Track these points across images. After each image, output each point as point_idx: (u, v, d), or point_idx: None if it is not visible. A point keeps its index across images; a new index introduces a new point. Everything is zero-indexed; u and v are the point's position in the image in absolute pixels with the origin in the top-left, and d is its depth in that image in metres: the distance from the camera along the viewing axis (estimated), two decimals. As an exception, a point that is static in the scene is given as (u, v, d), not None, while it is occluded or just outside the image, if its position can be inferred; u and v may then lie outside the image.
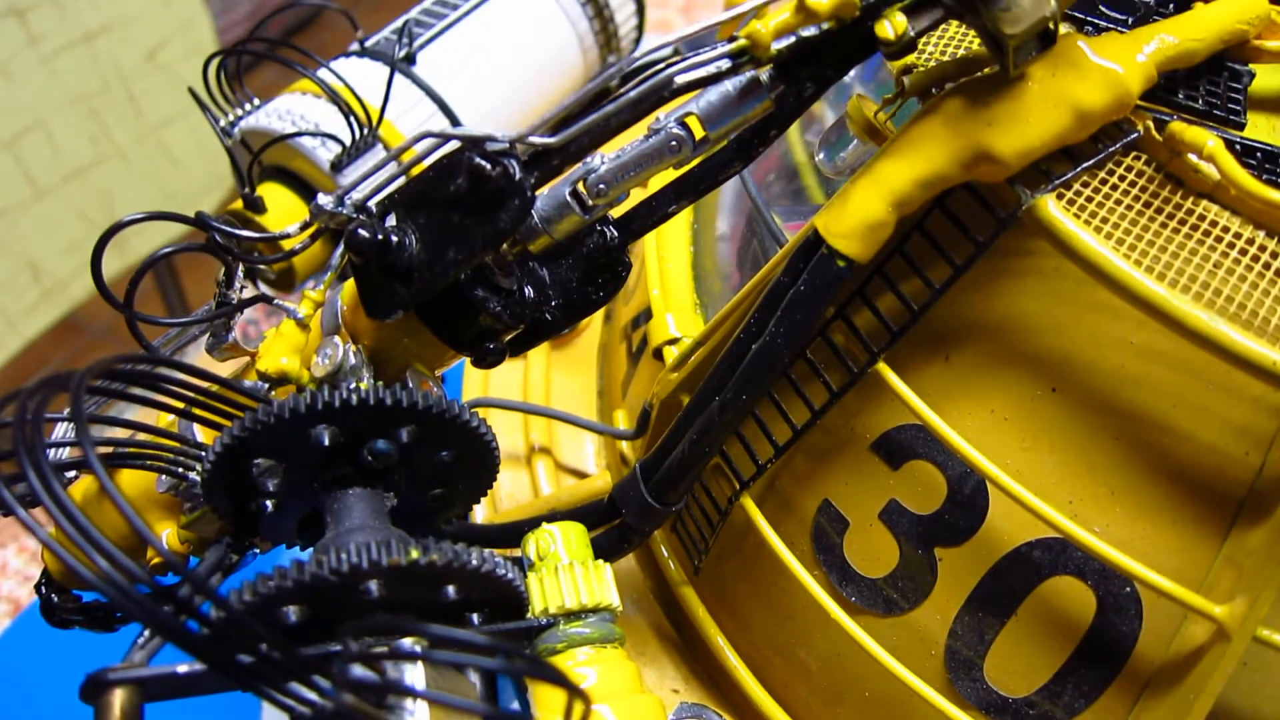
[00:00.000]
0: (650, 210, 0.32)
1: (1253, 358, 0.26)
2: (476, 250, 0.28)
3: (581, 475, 0.44)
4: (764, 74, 0.29)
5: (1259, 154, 0.30)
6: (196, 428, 0.30)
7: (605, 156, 0.30)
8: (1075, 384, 0.30)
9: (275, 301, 0.30)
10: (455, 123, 0.48)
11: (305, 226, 0.29)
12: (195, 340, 0.34)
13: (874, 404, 0.33)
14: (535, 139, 0.28)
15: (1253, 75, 0.31)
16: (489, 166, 0.27)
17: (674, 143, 0.29)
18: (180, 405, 0.27)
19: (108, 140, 1.00)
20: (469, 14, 0.52)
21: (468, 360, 0.33)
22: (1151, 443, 0.30)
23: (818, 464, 0.35)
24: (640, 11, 0.59)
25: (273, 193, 0.44)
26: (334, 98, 0.44)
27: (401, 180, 0.29)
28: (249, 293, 0.32)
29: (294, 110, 0.45)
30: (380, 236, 0.28)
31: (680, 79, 0.28)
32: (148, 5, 1.01)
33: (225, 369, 0.34)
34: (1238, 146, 0.30)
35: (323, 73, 0.46)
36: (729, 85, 0.29)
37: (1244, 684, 0.29)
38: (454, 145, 0.28)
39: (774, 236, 0.39)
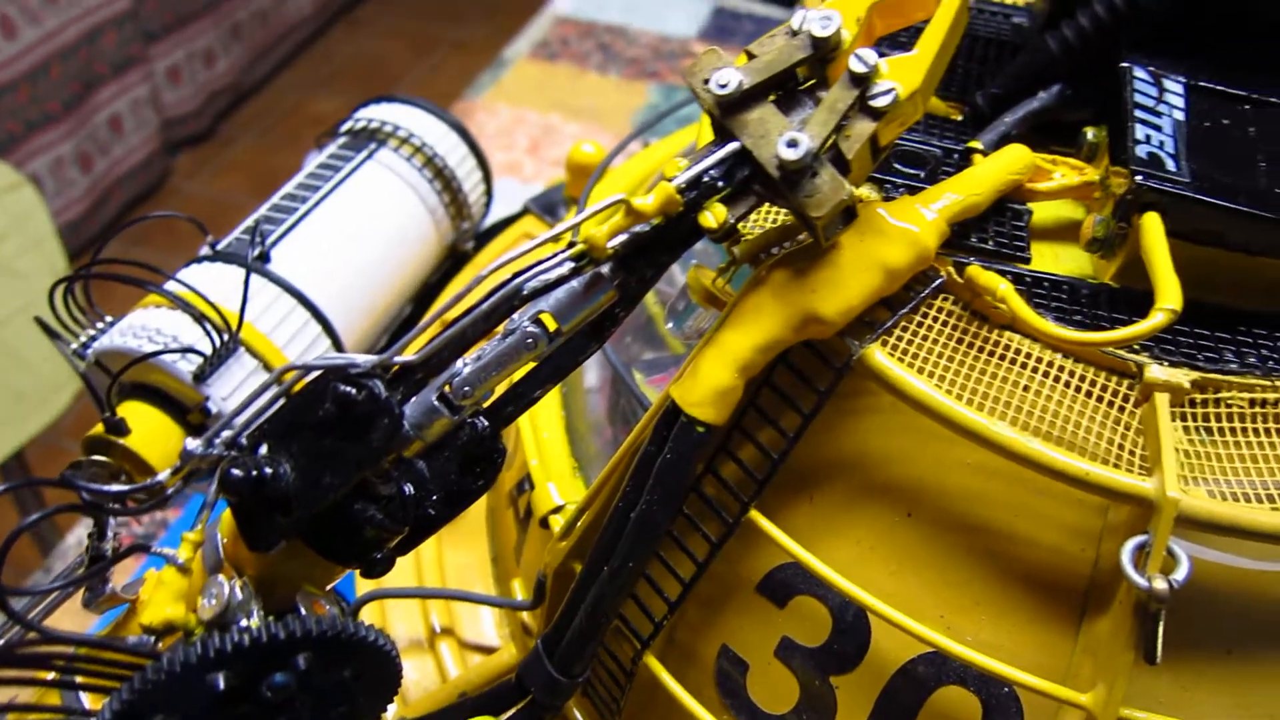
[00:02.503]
0: (518, 396, 0.34)
1: (1066, 470, 0.29)
2: (352, 472, 0.29)
3: (487, 649, 0.45)
4: (605, 268, 0.31)
5: (1046, 284, 0.34)
6: (82, 693, 0.29)
7: (467, 359, 0.31)
8: (927, 507, 0.33)
9: (153, 549, 0.30)
10: (317, 314, 0.49)
11: (177, 470, 0.29)
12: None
13: (752, 549, 0.35)
14: (397, 359, 0.29)
15: (1030, 213, 0.36)
16: (354, 391, 0.29)
17: (530, 340, 0.31)
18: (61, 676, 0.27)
19: (-53, 345, 0.96)
20: (319, 204, 0.53)
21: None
22: (1002, 552, 0.32)
23: (711, 612, 0.36)
24: (487, 178, 0.62)
25: (135, 411, 0.44)
26: (187, 309, 0.45)
27: (271, 411, 0.30)
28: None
29: (149, 325, 0.45)
30: (255, 472, 0.29)
31: (529, 287, 0.30)
32: (-19, 203, 0.98)
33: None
34: (1028, 279, 0.34)
35: (174, 283, 0.47)
36: (575, 283, 0.31)
37: (1119, 763, 0.31)
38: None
39: (638, 400, 0.41)
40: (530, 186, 1.02)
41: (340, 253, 0.53)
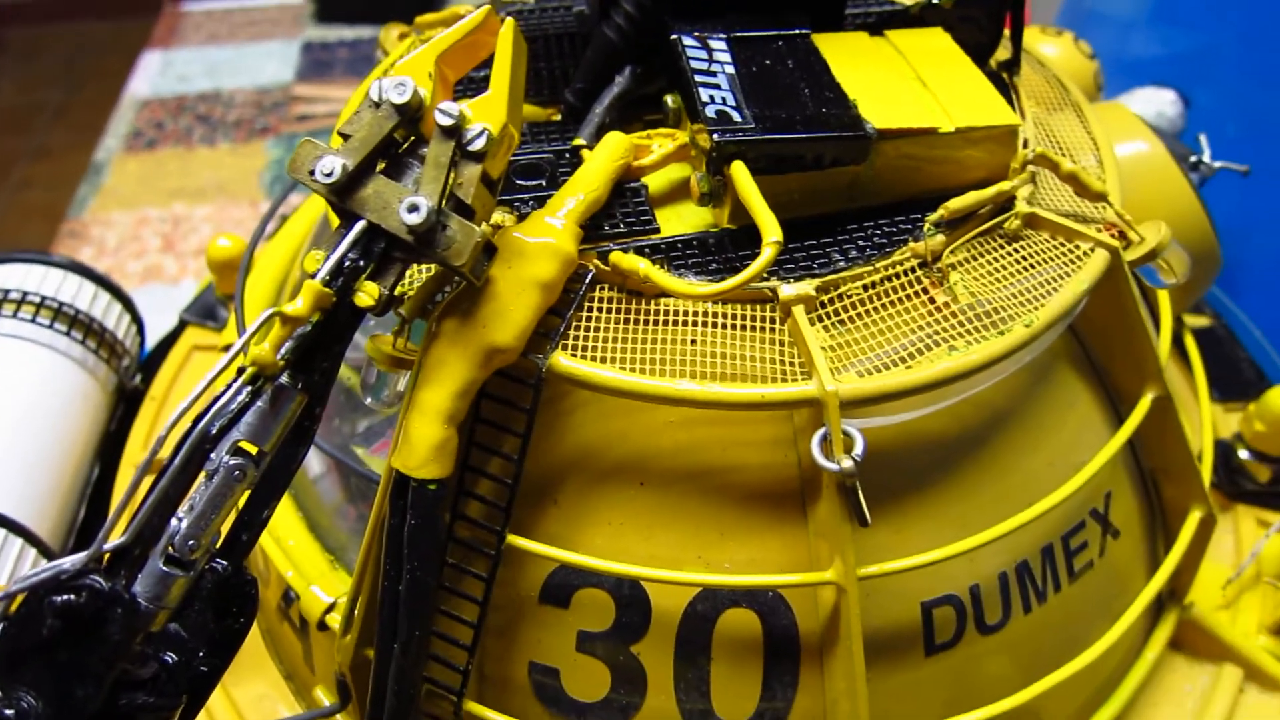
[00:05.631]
0: (247, 524, 0.33)
1: (745, 399, 0.34)
2: (104, 675, 0.28)
3: (312, 768, 0.44)
4: (284, 379, 0.31)
5: (679, 245, 0.38)
6: None
7: (180, 514, 0.31)
8: (653, 471, 0.37)
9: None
10: (-5, 517, 0.45)
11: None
12: None
13: (522, 568, 0.37)
14: (107, 546, 0.28)
15: (645, 187, 0.40)
16: (73, 597, 0.27)
17: (237, 472, 0.31)
18: None
19: None
20: (-52, 401, 0.48)
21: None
22: (726, 484, 0.37)
23: (508, 639, 0.38)
24: (128, 306, 0.58)
25: None
26: None
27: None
28: None
29: None
30: (-6, 722, 0.27)
31: (215, 426, 0.30)
32: None
33: None
34: (663, 246, 0.38)
35: None
36: (260, 403, 0.31)
37: (871, 610, 0.36)
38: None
39: (368, 478, 0.41)
40: (179, 288, 0.97)
41: (-6, 442, 0.48)
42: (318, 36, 1.35)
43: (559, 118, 0.44)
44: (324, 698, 0.43)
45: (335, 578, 0.43)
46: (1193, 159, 0.56)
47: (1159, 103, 0.67)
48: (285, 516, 0.45)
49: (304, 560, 0.43)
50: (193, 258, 1.04)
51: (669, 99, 0.42)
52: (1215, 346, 0.64)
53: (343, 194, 0.31)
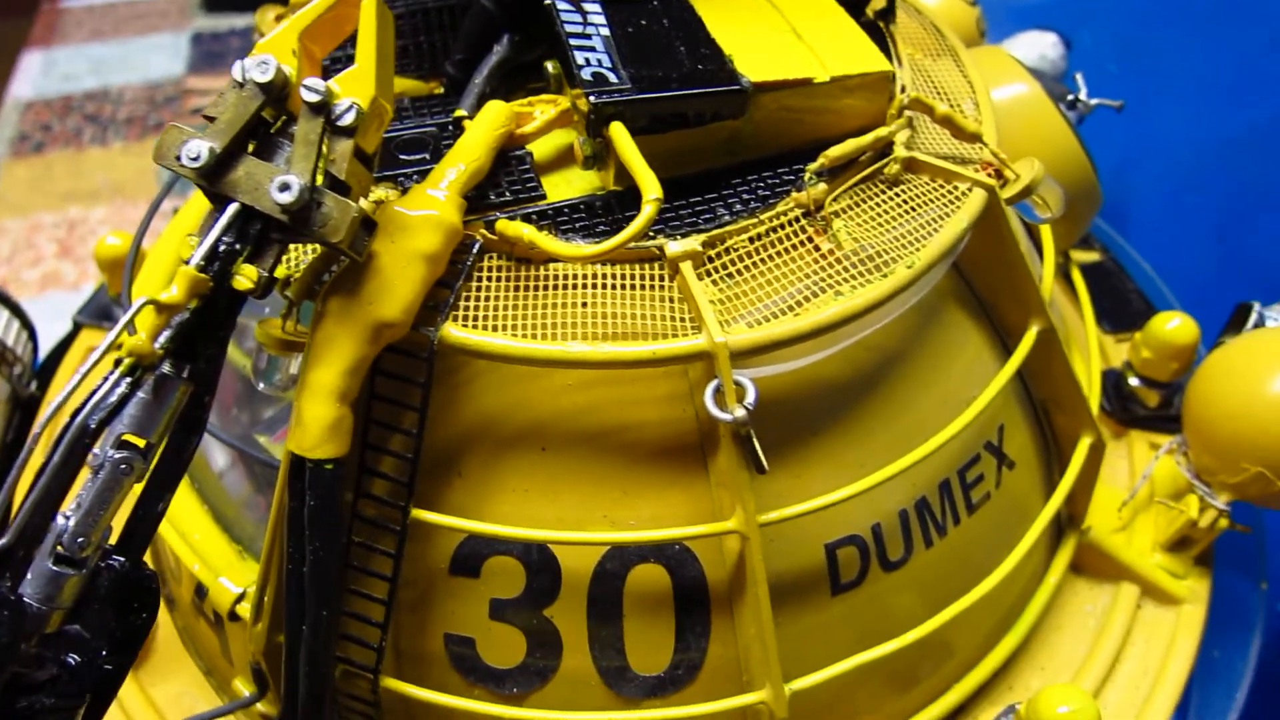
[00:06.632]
0: (143, 518, 0.33)
1: (638, 357, 0.34)
2: (-6, 678, 0.27)
3: (236, 763, 0.44)
4: (165, 367, 0.31)
5: (565, 210, 0.38)
6: None
7: (67, 511, 0.30)
8: (554, 435, 0.37)
9: None
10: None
11: None
12: None
13: (430, 541, 0.37)
14: (-14, 550, 0.28)
15: (530, 154, 0.40)
16: (-46, 603, 0.27)
17: (124, 466, 0.30)
18: None
19: None
20: None
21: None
22: (627, 442, 0.37)
23: (421, 613, 0.38)
24: (17, 312, 0.57)
25: None
26: None
27: None
28: None
29: None
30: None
31: (94, 420, 0.29)
32: None
33: None
34: (550, 212, 0.38)
35: None
36: (142, 393, 0.30)
37: (775, 555, 0.37)
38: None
39: (271, 467, 0.41)
40: (80, 293, 0.94)
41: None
42: (208, 27, 1.31)
43: (441, 91, 0.44)
44: (244, 689, 0.43)
45: (244, 568, 0.43)
46: (1070, 97, 0.58)
47: (1041, 46, 0.69)
48: (190, 511, 0.44)
49: (211, 553, 0.43)
50: (92, 262, 1.00)
51: (549, 65, 0.42)
52: (1105, 280, 0.66)
53: (212, 177, 0.31)
